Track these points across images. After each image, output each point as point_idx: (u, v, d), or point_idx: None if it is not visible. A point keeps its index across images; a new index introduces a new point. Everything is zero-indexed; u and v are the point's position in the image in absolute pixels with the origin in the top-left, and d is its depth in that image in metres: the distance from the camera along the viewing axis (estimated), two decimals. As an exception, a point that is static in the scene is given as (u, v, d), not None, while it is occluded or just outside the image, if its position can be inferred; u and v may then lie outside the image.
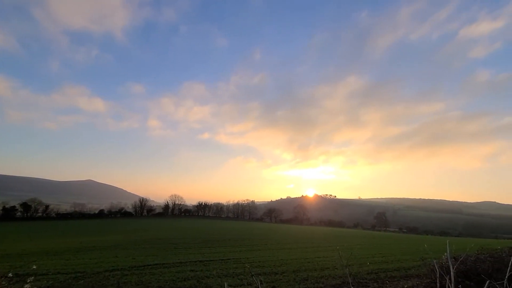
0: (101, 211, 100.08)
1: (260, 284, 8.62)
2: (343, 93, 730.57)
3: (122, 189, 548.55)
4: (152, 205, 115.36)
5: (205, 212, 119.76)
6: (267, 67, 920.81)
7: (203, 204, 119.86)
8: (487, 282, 3.93)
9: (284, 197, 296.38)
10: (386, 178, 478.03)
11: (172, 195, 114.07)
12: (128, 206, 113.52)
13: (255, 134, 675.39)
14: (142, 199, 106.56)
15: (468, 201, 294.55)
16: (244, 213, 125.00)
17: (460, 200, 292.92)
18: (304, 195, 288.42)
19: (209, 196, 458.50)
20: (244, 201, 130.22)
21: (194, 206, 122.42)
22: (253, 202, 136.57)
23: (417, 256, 15.50)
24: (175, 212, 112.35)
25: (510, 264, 3.99)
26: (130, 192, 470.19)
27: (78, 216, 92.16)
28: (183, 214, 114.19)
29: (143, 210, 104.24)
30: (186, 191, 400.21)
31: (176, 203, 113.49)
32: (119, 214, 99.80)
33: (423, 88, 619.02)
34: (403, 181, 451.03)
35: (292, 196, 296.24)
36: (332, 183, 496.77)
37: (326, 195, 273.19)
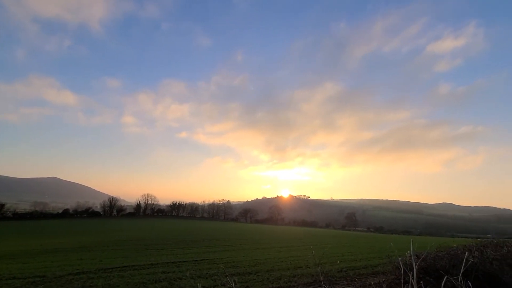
0: (66, 211, 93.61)
1: (234, 284, 8.60)
2: (320, 98, 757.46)
3: (90, 187, 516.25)
4: (122, 204, 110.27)
5: (179, 212, 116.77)
6: (249, 69, 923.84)
7: (177, 204, 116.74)
8: (445, 277, 4.28)
9: (260, 197, 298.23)
10: (357, 180, 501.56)
11: (144, 195, 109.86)
12: (97, 205, 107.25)
13: (234, 135, 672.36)
14: (112, 198, 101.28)
15: (428, 202, 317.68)
16: (219, 213, 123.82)
17: (422, 202, 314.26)
18: (279, 195, 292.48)
19: (185, 196, 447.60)
20: (219, 201, 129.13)
21: (167, 206, 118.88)
22: (228, 202, 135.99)
23: (383, 254, 16.42)
24: (147, 212, 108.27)
25: (464, 261, 4.38)
26: (99, 191, 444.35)
27: (39, 216, 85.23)
28: (156, 214, 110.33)
29: (113, 210, 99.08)
30: (161, 191, 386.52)
31: (148, 202, 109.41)
32: (85, 214, 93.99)
33: (393, 97, 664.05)
34: (372, 183, 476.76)
35: (268, 196, 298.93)
36: (307, 184, 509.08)
37: (301, 195, 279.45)
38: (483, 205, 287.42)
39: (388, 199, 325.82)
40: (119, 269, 11.47)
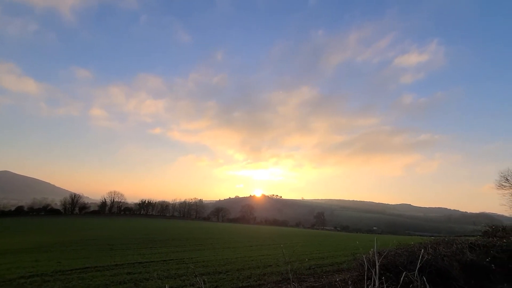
0: (20, 208, 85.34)
1: (204, 284, 8.50)
2: (296, 101, 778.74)
3: (49, 183, 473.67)
4: (86, 202, 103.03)
5: (148, 210, 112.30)
6: (228, 69, 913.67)
7: (146, 202, 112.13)
8: (403, 273, 4.63)
9: (232, 196, 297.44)
10: (328, 181, 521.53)
11: (110, 192, 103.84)
12: (56, 202, 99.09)
13: (210, 133, 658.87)
14: (74, 195, 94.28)
15: (390, 203, 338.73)
16: (191, 212, 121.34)
17: (384, 202, 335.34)
18: (252, 195, 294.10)
19: (155, 194, 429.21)
20: (191, 199, 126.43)
21: (136, 204, 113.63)
22: (201, 201, 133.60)
23: (348, 252, 17.25)
24: (113, 210, 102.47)
25: (420, 257, 4.77)
26: (60, 187, 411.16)
27: (-14, 213, 76.89)
28: (123, 212, 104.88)
29: (75, 208, 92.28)
30: (129, 189, 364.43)
31: (115, 200, 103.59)
32: (43, 211, 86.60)
33: (363, 104, 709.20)
34: (341, 184, 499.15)
35: (241, 195, 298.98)
36: (280, 184, 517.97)
37: (273, 195, 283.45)
38: (437, 206, 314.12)
39: (355, 199, 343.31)
40: (80, 270, 10.75)
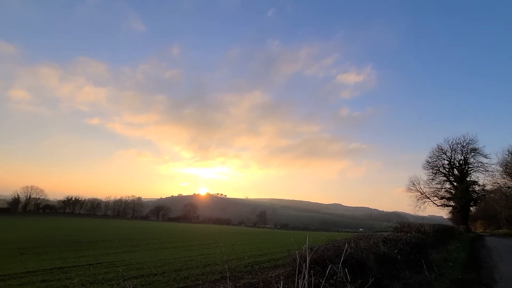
0: None
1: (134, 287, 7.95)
2: (248, 104, 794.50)
3: None
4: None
5: (74, 209, 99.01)
6: (183, 65, 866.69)
7: (72, 199, 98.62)
8: (329, 266, 5.16)
9: (175, 194, 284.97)
10: (272, 182, 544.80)
11: (26, 187, 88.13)
12: None
13: (157, 128, 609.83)
14: (-29, 190, 76.97)
15: (324, 203, 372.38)
16: (127, 210, 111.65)
17: (320, 202, 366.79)
18: (196, 193, 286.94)
19: (87, 191, 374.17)
20: (128, 197, 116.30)
21: (60, 201, 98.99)
22: (139, 198, 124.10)
23: (285, 248, 18.31)
24: (29, 208, 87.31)
25: (344, 251, 5.40)
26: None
27: None
28: (41, 211, 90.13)
29: (-30, 205, 75.47)
30: (55, 184, 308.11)
31: (32, 196, 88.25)
32: None
33: (307, 112, 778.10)
34: (283, 185, 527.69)
35: (185, 194, 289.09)
36: (226, 183, 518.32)
37: (218, 194, 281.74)
38: (361, 206, 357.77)
39: (294, 199, 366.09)
40: (-26, 281, 8.87)
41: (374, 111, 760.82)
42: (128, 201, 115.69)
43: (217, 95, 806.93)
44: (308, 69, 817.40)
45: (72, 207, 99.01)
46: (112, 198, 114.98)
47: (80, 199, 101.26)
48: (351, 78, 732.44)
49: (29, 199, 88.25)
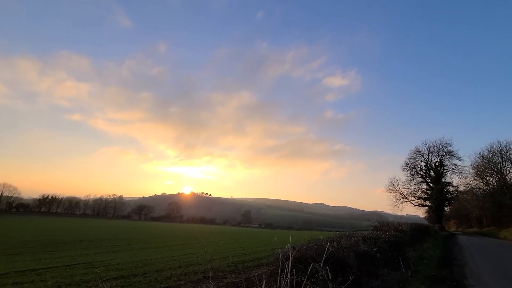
0: None
1: (115, 289, 7.73)
2: (235, 104, 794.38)
3: None
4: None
5: (51, 208, 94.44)
6: (170, 62, 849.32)
7: (49, 198, 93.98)
8: (311, 264, 5.26)
9: (159, 193, 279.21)
10: (257, 181, 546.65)
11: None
12: None
13: (141, 126, 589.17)
14: None
15: (308, 202, 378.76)
16: (108, 209, 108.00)
17: (303, 201, 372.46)
18: (181, 192, 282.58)
19: (66, 189, 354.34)
20: (109, 196, 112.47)
21: (35, 200, 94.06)
22: (120, 197, 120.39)
23: (269, 247, 18.44)
24: (0, 207, 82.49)
25: (325, 250, 5.52)
26: None
27: None
28: (14, 210, 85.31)
29: None
30: (30, 182, 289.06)
31: (4, 195, 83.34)
32: None
33: (293, 113, 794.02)
34: (268, 184, 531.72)
35: (169, 193, 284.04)
36: (211, 182, 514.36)
37: (202, 193, 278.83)
38: (344, 205, 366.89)
39: (279, 198, 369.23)
40: None
41: (357, 114, 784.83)
42: (109, 200, 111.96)
43: (204, 94, 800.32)
44: (295, 71, 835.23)
45: (48, 206, 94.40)
46: (92, 197, 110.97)
47: (57, 197, 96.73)
48: (337, 81, 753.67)
49: (0, 198, 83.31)
